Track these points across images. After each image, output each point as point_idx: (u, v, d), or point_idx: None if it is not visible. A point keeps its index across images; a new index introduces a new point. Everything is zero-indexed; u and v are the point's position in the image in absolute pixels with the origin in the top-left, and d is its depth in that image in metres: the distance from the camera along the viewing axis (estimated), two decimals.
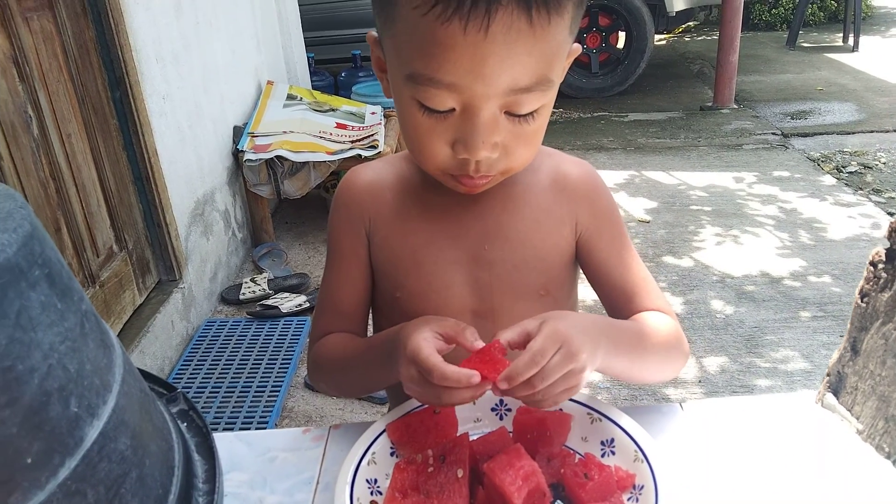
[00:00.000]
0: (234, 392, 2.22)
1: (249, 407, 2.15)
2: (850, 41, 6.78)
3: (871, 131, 4.53)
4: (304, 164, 3.01)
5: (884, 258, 0.65)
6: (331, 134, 3.27)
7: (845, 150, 4.22)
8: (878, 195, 3.56)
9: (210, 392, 2.22)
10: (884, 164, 3.97)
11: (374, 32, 0.74)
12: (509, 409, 0.73)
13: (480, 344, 0.65)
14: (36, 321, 0.53)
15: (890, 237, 0.64)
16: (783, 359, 2.29)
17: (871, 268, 0.67)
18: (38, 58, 1.78)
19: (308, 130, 3.24)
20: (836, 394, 0.74)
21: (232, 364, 2.36)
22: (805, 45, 7.10)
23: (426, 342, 0.65)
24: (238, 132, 3.09)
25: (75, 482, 0.55)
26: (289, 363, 2.35)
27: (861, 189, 3.64)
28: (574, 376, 0.63)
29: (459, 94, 0.64)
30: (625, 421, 0.67)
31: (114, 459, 0.60)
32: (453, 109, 0.66)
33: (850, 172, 3.87)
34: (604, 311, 0.87)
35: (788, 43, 7.07)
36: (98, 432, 0.58)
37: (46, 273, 0.56)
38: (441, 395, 0.63)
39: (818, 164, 4.02)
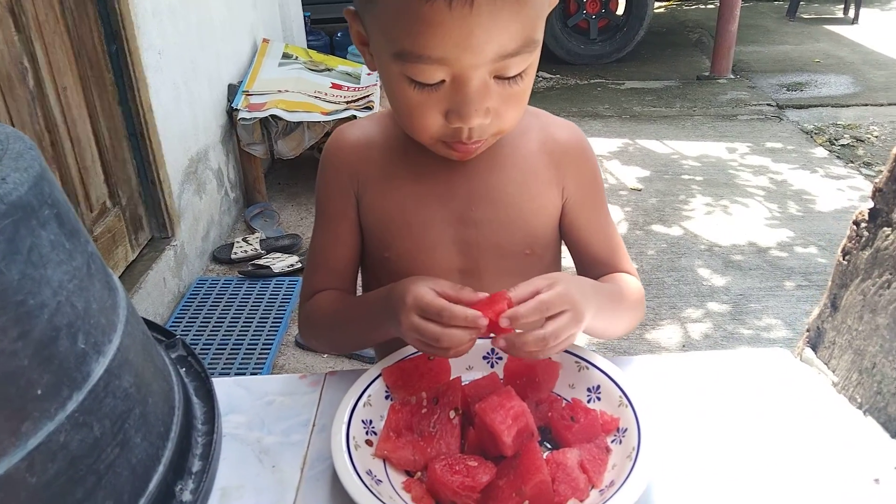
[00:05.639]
0: (224, 349, 2.24)
1: (240, 364, 2.17)
2: (851, 13, 6.76)
3: (866, 104, 4.54)
4: (299, 124, 3.00)
5: (867, 217, 0.68)
6: (326, 94, 3.25)
7: (839, 122, 4.24)
8: (869, 168, 3.58)
9: (201, 349, 2.25)
10: (876, 137, 3.99)
11: (351, 7, 0.73)
12: (500, 358, 0.75)
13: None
14: (46, 258, 0.55)
15: (873, 197, 0.67)
16: (766, 326, 2.33)
17: (854, 227, 0.70)
18: (34, 8, 1.76)
19: (303, 90, 3.22)
20: (814, 348, 0.77)
21: (223, 322, 2.38)
22: (805, 16, 7.06)
23: (429, 290, 0.67)
24: (233, 90, 3.07)
25: (82, 415, 0.57)
26: (280, 322, 2.38)
27: (852, 162, 3.67)
28: (574, 337, 0.68)
29: (449, 67, 0.65)
30: (610, 368, 0.70)
31: (118, 396, 0.62)
32: (443, 81, 0.67)
33: (843, 145, 3.90)
34: (573, 269, 0.91)
35: (789, 13, 7.04)
36: (104, 369, 0.60)
37: (55, 213, 0.58)
38: (441, 338, 0.65)
39: (811, 136, 4.03)
